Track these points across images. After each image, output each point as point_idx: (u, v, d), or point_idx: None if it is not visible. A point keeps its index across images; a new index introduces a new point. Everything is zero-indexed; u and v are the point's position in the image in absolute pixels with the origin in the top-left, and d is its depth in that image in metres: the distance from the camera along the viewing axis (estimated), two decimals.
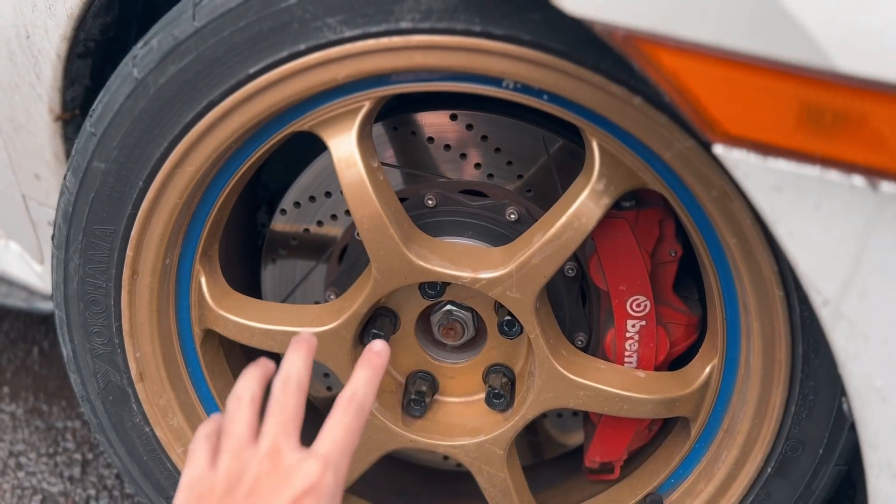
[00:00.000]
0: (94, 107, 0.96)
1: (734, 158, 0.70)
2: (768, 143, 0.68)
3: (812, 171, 0.67)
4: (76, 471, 1.59)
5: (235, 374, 1.20)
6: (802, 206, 0.68)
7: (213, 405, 1.16)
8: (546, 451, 1.34)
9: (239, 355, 1.23)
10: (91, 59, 1.14)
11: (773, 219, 0.70)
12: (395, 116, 1.11)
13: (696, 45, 0.67)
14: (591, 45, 0.83)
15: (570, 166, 1.10)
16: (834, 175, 0.66)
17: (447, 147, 1.12)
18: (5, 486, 1.56)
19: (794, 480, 1.03)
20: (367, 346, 0.85)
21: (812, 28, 0.63)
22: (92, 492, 1.55)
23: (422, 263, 0.99)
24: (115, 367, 1.08)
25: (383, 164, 1.11)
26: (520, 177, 1.12)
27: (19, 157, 1.28)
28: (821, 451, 1.00)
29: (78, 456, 1.62)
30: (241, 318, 1.07)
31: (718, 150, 0.70)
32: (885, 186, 0.65)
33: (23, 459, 1.61)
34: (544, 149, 1.10)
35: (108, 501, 1.53)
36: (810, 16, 0.63)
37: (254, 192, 1.34)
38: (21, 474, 1.58)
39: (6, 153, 1.29)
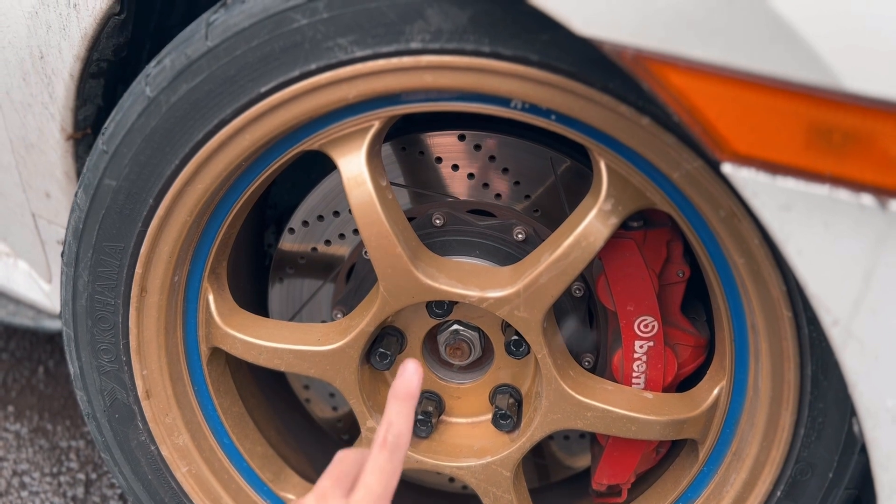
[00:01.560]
0: (106, 125, 0.97)
1: (743, 177, 0.70)
2: (777, 163, 0.68)
3: (821, 190, 0.67)
4: (79, 491, 1.58)
5: (241, 393, 1.20)
6: (811, 226, 0.68)
7: (218, 424, 1.16)
8: (553, 473, 1.33)
9: (245, 374, 1.23)
10: (104, 78, 1.16)
11: (781, 238, 0.70)
12: (403, 136, 1.12)
13: (705, 64, 0.68)
14: (599, 66, 0.83)
15: (577, 187, 1.10)
16: (843, 194, 0.67)
17: (455, 167, 1.13)
18: None
19: None
20: (399, 371, 0.76)
21: (820, 48, 0.63)
22: None
23: (429, 282, 0.99)
24: (122, 384, 1.08)
25: (392, 183, 1.12)
26: (527, 197, 1.12)
27: (30, 175, 1.29)
28: (831, 475, 0.99)
29: (81, 476, 1.61)
30: (248, 336, 1.07)
31: (727, 169, 0.71)
32: (895, 205, 0.65)
33: (26, 479, 1.60)
34: (552, 169, 1.10)
35: None
36: (818, 36, 0.63)
37: (261, 211, 1.34)
38: (24, 494, 1.57)
39: (17, 172, 1.30)
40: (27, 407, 1.77)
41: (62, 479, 1.61)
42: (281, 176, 1.35)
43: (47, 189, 1.29)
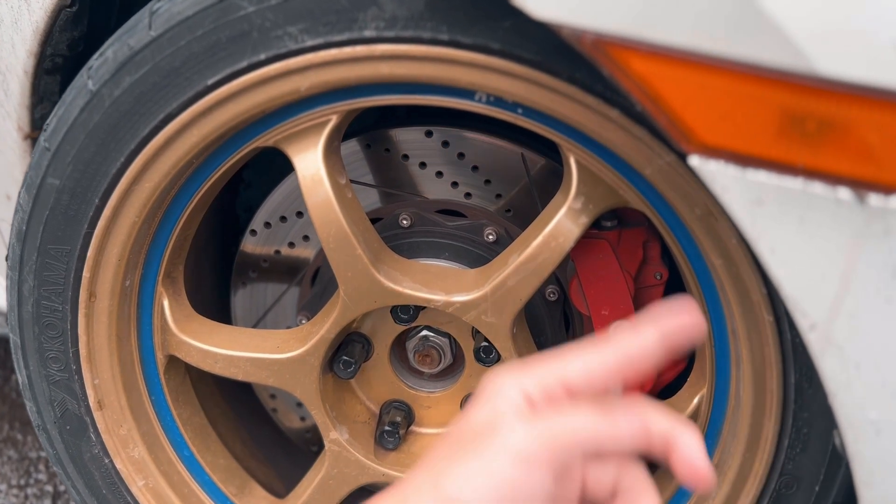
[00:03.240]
0: (48, 121, 0.92)
1: (711, 170, 0.65)
2: (747, 154, 0.63)
3: (795, 183, 0.62)
4: (46, 503, 1.53)
5: (203, 403, 1.15)
6: (785, 222, 0.63)
7: (178, 435, 1.11)
8: None
9: (208, 383, 1.18)
10: (59, 75, 1.11)
11: (754, 235, 0.65)
12: (368, 133, 1.07)
13: (669, 49, 0.63)
14: (564, 55, 0.78)
15: (552, 186, 1.05)
16: (818, 187, 0.61)
17: (422, 165, 1.08)
18: None
19: None
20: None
21: (791, 29, 0.58)
22: None
23: (392, 286, 0.94)
24: (73, 394, 1.03)
25: (354, 182, 1.07)
26: (499, 196, 1.07)
27: None
28: (817, 489, 0.93)
29: (49, 488, 1.56)
30: (204, 343, 1.02)
31: (695, 161, 0.65)
32: (874, 199, 0.60)
33: None
34: (524, 167, 1.05)
35: None
36: (790, 16, 0.58)
37: (229, 213, 1.30)
38: None
39: None
40: None
41: (29, 491, 1.56)
42: (257, 178, 1.30)
43: (7, 191, 1.25)
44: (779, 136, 0.61)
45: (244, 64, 0.84)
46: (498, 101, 0.86)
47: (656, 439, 0.50)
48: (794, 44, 0.59)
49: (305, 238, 1.13)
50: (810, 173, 0.61)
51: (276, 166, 1.20)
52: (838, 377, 0.67)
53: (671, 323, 0.51)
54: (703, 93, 0.63)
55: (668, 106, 0.64)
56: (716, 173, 0.65)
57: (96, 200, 0.92)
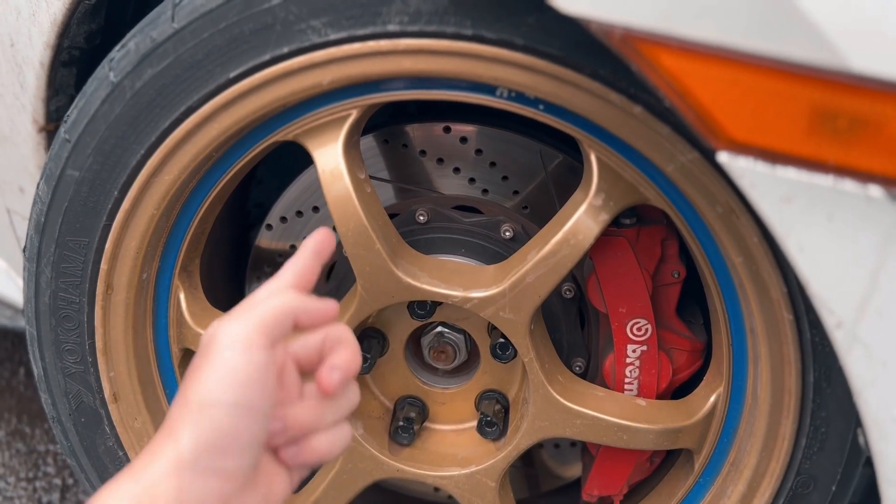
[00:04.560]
0: (69, 112, 0.92)
1: (740, 167, 0.65)
2: (777, 151, 0.63)
3: (825, 180, 0.62)
4: (55, 497, 1.53)
5: None
6: (814, 219, 0.63)
7: None
8: (542, 483, 1.28)
9: None
10: (76, 67, 1.11)
11: (781, 232, 0.65)
12: (386, 128, 1.07)
13: (699, 44, 0.63)
14: (588, 50, 0.78)
15: (569, 182, 1.05)
16: (849, 185, 0.61)
17: (440, 161, 1.07)
18: None
19: None
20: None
21: (825, 25, 0.58)
22: None
23: (410, 281, 0.94)
24: (88, 387, 1.03)
25: (372, 177, 1.07)
26: (516, 193, 1.07)
27: (3, 169, 1.24)
28: (834, 488, 0.93)
29: (58, 481, 1.56)
30: None
31: (723, 158, 0.65)
32: None
33: (1, 484, 1.55)
34: (542, 164, 1.05)
35: None
36: (823, 12, 0.58)
37: (243, 208, 1.29)
38: None
39: None
40: (5, 409, 1.72)
41: (38, 484, 1.56)
42: (269, 174, 1.30)
43: (21, 184, 1.25)
44: (809, 132, 0.61)
45: (267, 57, 0.84)
46: (519, 97, 0.86)
47: (329, 338, 0.63)
48: (827, 40, 0.58)
49: None
50: (841, 171, 0.61)
51: (288, 162, 1.20)
52: (864, 375, 0.67)
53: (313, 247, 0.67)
54: (733, 89, 0.63)
55: (698, 102, 0.64)
56: (744, 170, 0.64)
57: (115, 192, 0.92)
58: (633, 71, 0.72)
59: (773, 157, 0.63)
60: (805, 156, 0.62)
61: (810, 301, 0.82)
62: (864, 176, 0.60)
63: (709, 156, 0.80)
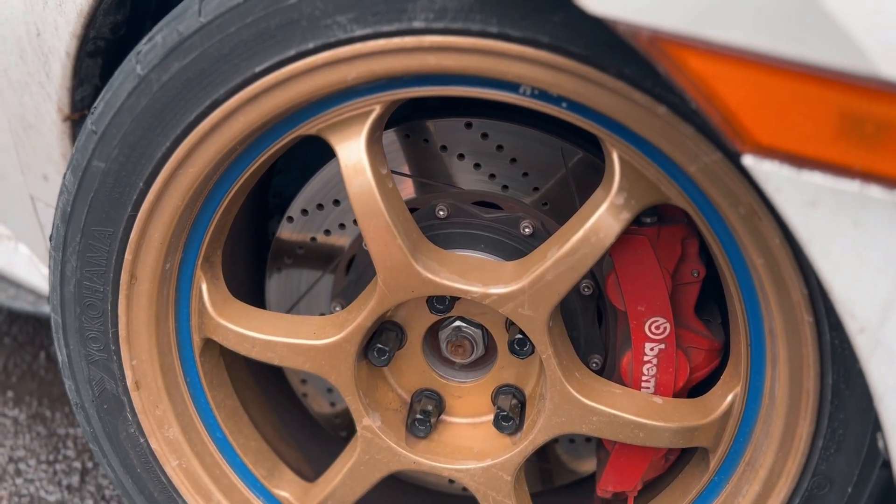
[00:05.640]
0: (96, 103, 0.93)
1: (765, 171, 0.65)
2: (803, 155, 0.62)
3: (851, 185, 0.62)
4: (75, 480, 1.55)
5: (236, 386, 1.16)
6: (839, 224, 0.63)
7: (211, 417, 1.12)
8: (556, 478, 1.29)
9: (241, 367, 1.19)
10: (101, 58, 1.12)
11: (806, 237, 0.65)
12: (407, 123, 1.07)
13: (727, 47, 0.63)
14: (614, 50, 0.78)
15: (589, 180, 1.05)
16: (875, 191, 0.61)
17: (461, 156, 1.08)
18: (2, 492, 1.53)
19: None
20: None
21: (854, 30, 0.58)
22: (89, 502, 1.51)
23: (430, 276, 0.94)
24: (111, 374, 1.05)
25: (393, 172, 1.07)
26: (536, 189, 1.07)
27: (28, 157, 1.26)
28: (850, 490, 0.93)
29: (78, 464, 1.59)
30: (242, 327, 1.03)
31: (748, 161, 0.65)
32: None
33: (22, 466, 1.58)
34: (562, 161, 1.05)
35: None
36: (853, 17, 0.58)
37: (263, 199, 1.30)
38: (19, 481, 1.55)
39: (15, 153, 1.27)
40: (27, 393, 1.75)
41: (58, 467, 1.58)
42: (287, 164, 1.31)
43: (45, 172, 1.26)
44: (836, 137, 0.61)
45: (292, 52, 0.84)
46: (542, 95, 0.86)
47: None
48: (857, 45, 0.58)
49: (341, 226, 1.14)
50: (867, 176, 0.61)
51: (307, 152, 1.21)
52: (886, 381, 0.67)
53: None
54: (760, 92, 0.63)
55: (724, 104, 0.64)
56: (769, 173, 0.64)
57: (141, 184, 0.93)
58: (659, 72, 0.72)
59: (799, 161, 0.63)
60: (831, 161, 0.62)
61: (832, 305, 0.82)
62: (890, 182, 0.60)
63: (732, 157, 0.80)
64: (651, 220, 0.95)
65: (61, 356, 1.07)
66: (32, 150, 1.24)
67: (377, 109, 0.90)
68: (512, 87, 0.86)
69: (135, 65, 0.89)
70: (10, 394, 1.74)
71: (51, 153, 1.21)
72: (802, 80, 0.61)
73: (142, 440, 1.08)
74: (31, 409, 1.71)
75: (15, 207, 1.35)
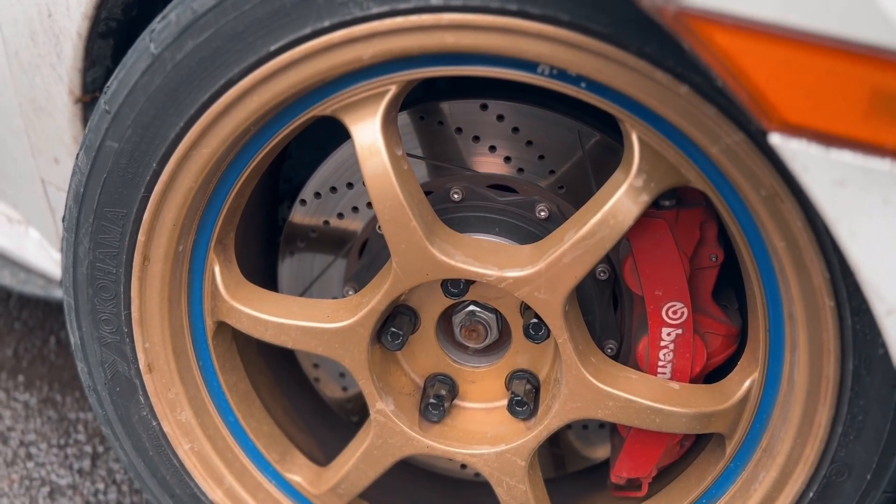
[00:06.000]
0: (109, 83, 0.92)
1: (792, 150, 0.63)
2: (832, 133, 0.61)
3: (881, 164, 0.60)
4: (86, 463, 1.56)
5: (248, 370, 1.15)
6: (869, 203, 0.61)
7: (223, 401, 1.12)
8: (569, 464, 1.28)
9: (253, 351, 1.18)
10: (112, 39, 1.11)
11: (833, 217, 0.63)
12: (421, 104, 1.06)
13: (755, 23, 0.61)
14: (635, 28, 0.77)
15: (606, 163, 1.04)
16: None
17: (476, 139, 1.07)
18: (14, 476, 1.53)
19: None
20: None
21: (888, 5, 0.57)
22: (101, 486, 1.51)
23: (445, 259, 0.94)
24: (124, 357, 1.04)
25: (408, 154, 1.06)
26: (552, 172, 1.06)
27: (39, 140, 1.25)
28: (868, 477, 0.93)
29: (88, 448, 1.59)
30: (255, 310, 1.03)
31: (775, 140, 0.64)
32: None
33: (33, 450, 1.58)
34: (579, 143, 1.04)
35: (116, 496, 1.49)
36: None
37: (274, 183, 1.29)
38: (30, 465, 1.55)
39: (26, 136, 1.26)
40: (37, 377, 1.75)
41: (69, 451, 1.58)
42: (297, 150, 1.30)
43: (56, 154, 1.25)
44: (868, 115, 0.59)
45: (308, 30, 0.83)
46: (561, 75, 0.85)
47: None
48: (891, 20, 0.57)
49: (355, 209, 1.13)
50: None
51: (318, 137, 1.20)
52: None
53: None
54: (788, 69, 0.61)
55: (751, 82, 0.63)
56: (796, 152, 0.63)
57: (154, 164, 0.93)
58: (683, 49, 0.71)
59: (828, 139, 0.62)
60: (862, 139, 0.60)
61: (854, 289, 0.81)
62: None
63: (756, 138, 0.79)
64: (670, 203, 0.94)
65: (74, 338, 1.06)
66: (43, 133, 1.23)
67: (393, 90, 0.89)
68: (530, 66, 0.85)
69: (148, 43, 0.88)
70: (20, 378, 1.74)
71: (62, 136, 1.21)
72: (833, 56, 0.60)
73: (154, 423, 1.08)
74: (41, 393, 1.71)
75: (26, 191, 1.35)
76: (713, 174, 0.86)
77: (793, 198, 0.80)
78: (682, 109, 0.80)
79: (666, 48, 0.77)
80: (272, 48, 0.85)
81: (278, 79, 0.86)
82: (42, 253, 1.45)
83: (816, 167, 0.63)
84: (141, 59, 0.89)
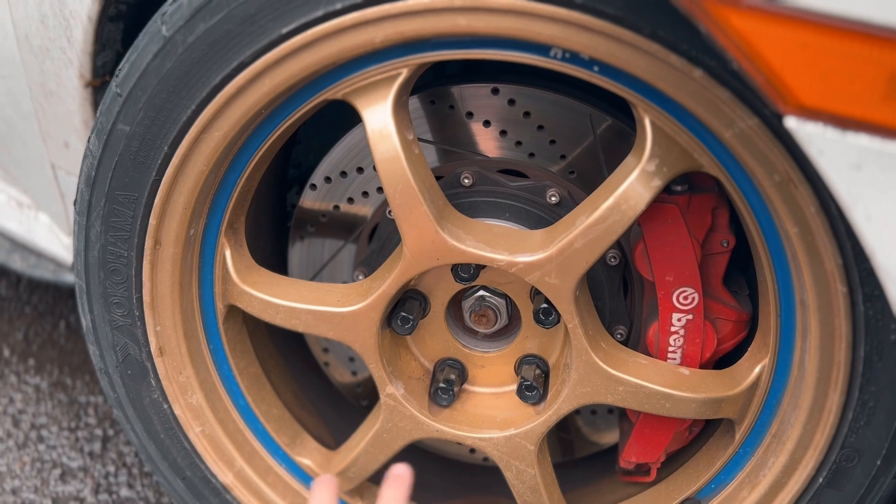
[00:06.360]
0: (120, 66, 0.92)
1: (808, 133, 0.63)
2: (849, 117, 0.61)
3: None
4: (97, 446, 1.57)
5: (258, 354, 1.16)
6: (885, 188, 0.61)
7: (234, 384, 1.12)
8: (578, 449, 1.28)
9: (263, 334, 1.19)
10: (123, 22, 1.11)
11: (849, 202, 0.63)
12: (432, 89, 1.06)
13: (771, 4, 0.61)
14: (649, 10, 0.76)
15: (617, 147, 1.04)
16: None
17: (487, 123, 1.06)
18: (25, 458, 1.54)
19: (848, 493, 0.96)
20: (390, 470, 0.86)
21: None
22: (111, 468, 1.52)
23: (455, 244, 0.93)
24: (135, 340, 1.05)
25: (418, 139, 1.06)
26: (563, 157, 1.06)
27: (49, 124, 1.25)
28: (879, 463, 0.93)
29: (99, 432, 1.60)
30: (266, 294, 1.03)
31: (790, 123, 0.64)
32: None
33: (44, 433, 1.59)
34: (591, 128, 1.04)
35: (126, 479, 1.50)
36: None
37: (284, 168, 1.29)
38: (41, 447, 1.56)
39: (36, 121, 1.26)
40: (48, 361, 1.76)
41: (80, 434, 1.59)
42: (306, 134, 1.30)
43: (66, 139, 1.25)
44: (886, 98, 0.59)
45: (320, 13, 0.83)
46: (574, 58, 0.84)
47: None
48: None
49: (365, 194, 1.13)
50: None
51: (328, 122, 1.19)
52: None
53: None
54: (806, 52, 0.61)
55: (767, 64, 0.62)
56: (812, 136, 0.63)
57: (165, 148, 0.93)
58: (698, 32, 0.71)
59: (845, 122, 0.61)
60: (879, 122, 0.60)
61: (870, 273, 0.81)
62: None
63: (770, 122, 0.78)
64: (682, 188, 0.94)
65: (85, 322, 1.07)
66: (53, 118, 1.23)
67: (404, 73, 0.88)
68: (543, 49, 0.84)
69: (160, 26, 0.88)
70: (31, 362, 1.75)
71: (72, 120, 1.21)
72: (852, 38, 0.59)
73: (165, 406, 1.08)
74: (52, 377, 1.72)
75: (36, 176, 1.35)
76: (726, 159, 0.85)
77: (807, 183, 0.80)
78: (695, 93, 0.79)
79: (680, 31, 0.76)
80: (284, 31, 0.84)
81: (290, 62, 0.86)
82: (52, 237, 1.46)
83: (832, 151, 0.62)
84: (152, 42, 0.88)
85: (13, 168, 1.40)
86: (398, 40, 0.84)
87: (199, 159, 0.93)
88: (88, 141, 0.97)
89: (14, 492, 1.48)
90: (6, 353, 1.77)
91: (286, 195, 1.32)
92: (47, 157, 1.30)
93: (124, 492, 1.48)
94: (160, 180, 0.94)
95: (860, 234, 0.64)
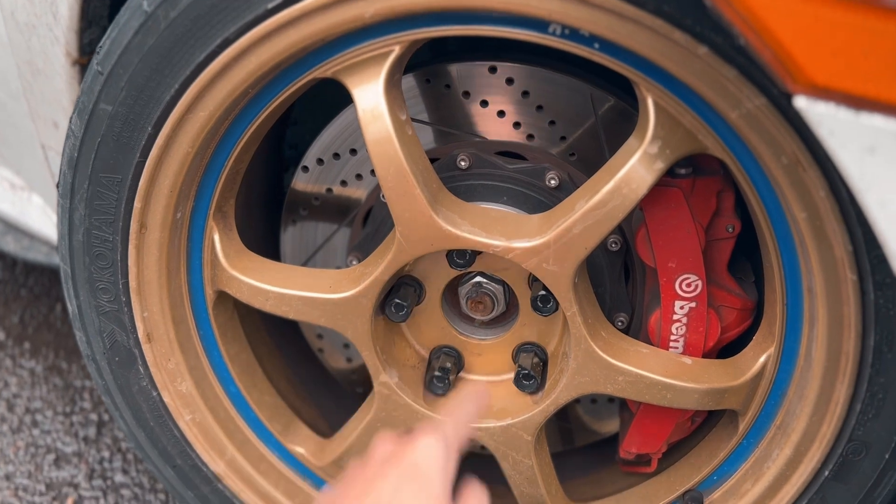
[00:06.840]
0: (101, 42, 0.88)
1: (818, 113, 0.59)
2: (863, 96, 0.57)
3: None
4: (91, 431, 1.55)
5: (250, 340, 1.13)
6: None
7: (224, 371, 1.10)
8: (577, 438, 1.26)
9: (254, 320, 1.16)
10: None
11: (861, 186, 0.60)
12: (427, 67, 1.02)
13: None
14: None
15: (619, 129, 1.00)
16: None
17: (484, 103, 1.03)
18: (19, 443, 1.53)
19: (854, 486, 0.93)
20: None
21: None
22: (106, 454, 1.51)
23: (450, 229, 0.90)
24: (122, 326, 1.02)
25: (413, 120, 1.02)
26: (563, 139, 1.02)
27: (38, 104, 1.22)
28: (887, 456, 0.90)
29: (94, 416, 1.58)
30: (256, 280, 1.00)
31: (800, 103, 0.60)
32: None
33: (39, 417, 1.58)
34: (592, 108, 1.00)
35: (121, 464, 1.49)
36: None
37: (278, 150, 1.26)
38: (36, 432, 1.55)
39: (25, 100, 1.23)
40: (43, 344, 1.74)
41: (74, 418, 1.58)
42: (303, 115, 1.26)
43: (55, 118, 1.22)
44: None
45: None
46: (573, 35, 0.81)
47: None
48: None
49: (358, 177, 1.10)
50: None
51: (325, 103, 1.16)
52: None
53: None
54: (817, 26, 0.57)
55: (776, 40, 0.59)
56: (823, 116, 0.59)
57: (149, 128, 0.89)
58: (703, 7, 0.67)
59: (858, 102, 0.57)
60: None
61: (881, 260, 0.77)
62: None
63: (778, 102, 0.75)
64: (685, 171, 0.90)
65: (71, 307, 1.04)
66: (42, 97, 1.20)
67: (396, 50, 0.85)
68: (541, 25, 0.80)
69: (142, 1, 0.84)
70: (26, 345, 1.73)
71: (60, 99, 1.18)
72: (867, 13, 0.55)
73: (154, 394, 1.06)
74: (47, 360, 1.71)
75: (27, 156, 1.32)
76: (732, 141, 0.82)
77: (816, 166, 0.76)
78: (700, 72, 0.76)
79: (684, 6, 0.72)
80: (270, 5, 0.81)
81: (277, 38, 0.83)
82: (45, 219, 1.44)
83: (844, 132, 0.59)
84: (134, 18, 0.85)
85: (4, 149, 1.37)
86: (389, 15, 0.80)
87: (184, 140, 0.90)
88: (70, 121, 0.94)
89: (7, 477, 1.47)
90: (1, 336, 1.75)
91: (282, 178, 1.29)
92: (37, 137, 1.27)
93: (119, 477, 1.47)
94: (144, 162, 0.91)
95: (872, 221, 0.61)
